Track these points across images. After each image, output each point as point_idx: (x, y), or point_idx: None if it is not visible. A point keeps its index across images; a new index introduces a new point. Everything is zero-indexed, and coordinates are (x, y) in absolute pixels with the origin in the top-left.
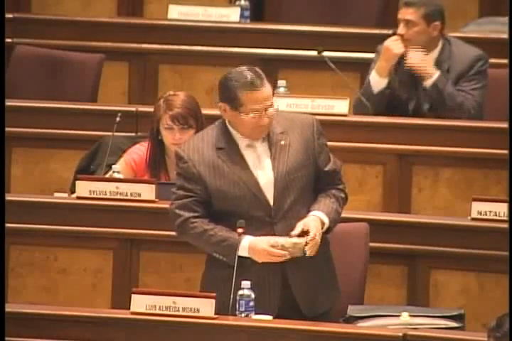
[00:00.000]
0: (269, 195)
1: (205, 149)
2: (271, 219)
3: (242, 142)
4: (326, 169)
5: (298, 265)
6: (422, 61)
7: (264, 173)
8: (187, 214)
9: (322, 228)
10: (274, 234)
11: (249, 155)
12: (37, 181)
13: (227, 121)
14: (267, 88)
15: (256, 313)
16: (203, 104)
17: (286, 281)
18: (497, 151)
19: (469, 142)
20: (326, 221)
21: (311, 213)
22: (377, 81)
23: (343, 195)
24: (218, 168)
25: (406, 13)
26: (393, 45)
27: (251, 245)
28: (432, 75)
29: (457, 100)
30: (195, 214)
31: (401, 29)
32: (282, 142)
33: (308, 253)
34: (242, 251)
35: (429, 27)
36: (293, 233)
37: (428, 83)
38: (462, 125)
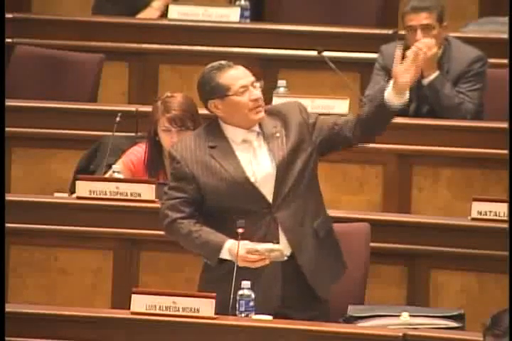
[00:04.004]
0: (269, 188)
1: (197, 148)
2: (269, 210)
3: (237, 138)
4: (333, 120)
5: (306, 251)
6: (430, 55)
7: (262, 167)
8: (174, 215)
9: None
10: (276, 224)
11: (243, 152)
12: (37, 181)
13: (220, 120)
14: (242, 68)
15: (258, 308)
16: (202, 104)
17: (296, 262)
18: (497, 151)
19: (469, 142)
20: None
21: None
22: None
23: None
24: (211, 166)
25: (420, 18)
26: (425, 48)
27: (230, 249)
28: (431, 74)
29: (455, 101)
30: (183, 215)
31: (420, 35)
32: (277, 134)
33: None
34: (225, 254)
35: (441, 29)
36: None
37: (425, 82)
38: (462, 125)
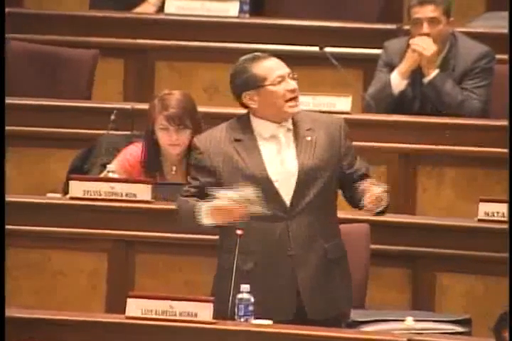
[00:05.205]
0: (287, 189)
1: (222, 140)
2: (285, 214)
3: (266, 132)
4: (355, 168)
5: (309, 269)
6: (429, 53)
7: (285, 166)
8: (187, 198)
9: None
10: (288, 231)
11: (269, 148)
12: (31, 181)
13: (251, 113)
14: (277, 59)
15: (267, 318)
16: (201, 102)
17: (296, 283)
18: (503, 150)
19: (475, 141)
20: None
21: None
22: (399, 82)
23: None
24: (233, 160)
25: (427, 11)
26: (425, 46)
27: (207, 209)
28: (431, 72)
29: (457, 99)
30: (195, 199)
31: (426, 28)
32: (308, 138)
33: (367, 208)
34: (205, 219)
35: (448, 24)
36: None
37: (426, 80)
38: (468, 123)
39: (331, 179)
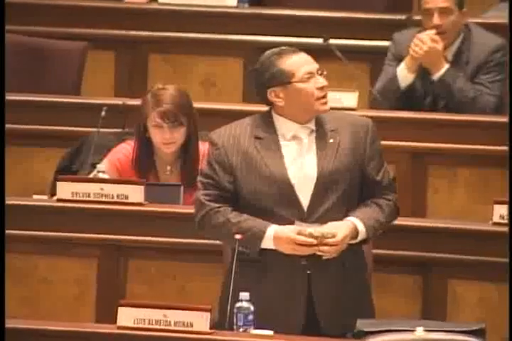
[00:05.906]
0: (305, 194)
1: (241, 137)
2: (302, 222)
3: (287, 132)
4: (377, 179)
5: (325, 278)
6: (433, 50)
7: (305, 169)
8: (212, 205)
9: (356, 237)
10: None
11: (290, 148)
12: (16, 182)
13: (273, 111)
14: (305, 54)
15: (276, 328)
16: (197, 97)
17: (310, 295)
18: None
19: (489, 139)
20: (361, 228)
21: (346, 218)
22: (405, 76)
23: (391, 206)
24: (252, 159)
25: (438, 1)
26: (431, 40)
27: (276, 234)
28: (440, 69)
29: (469, 95)
30: (220, 204)
31: (437, 19)
32: (331, 140)
33: (324, 255)
34: (267, 242)
35: (461, 14)
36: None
37: (435, 77)
38: (481, 120)
39: (353, 184)
